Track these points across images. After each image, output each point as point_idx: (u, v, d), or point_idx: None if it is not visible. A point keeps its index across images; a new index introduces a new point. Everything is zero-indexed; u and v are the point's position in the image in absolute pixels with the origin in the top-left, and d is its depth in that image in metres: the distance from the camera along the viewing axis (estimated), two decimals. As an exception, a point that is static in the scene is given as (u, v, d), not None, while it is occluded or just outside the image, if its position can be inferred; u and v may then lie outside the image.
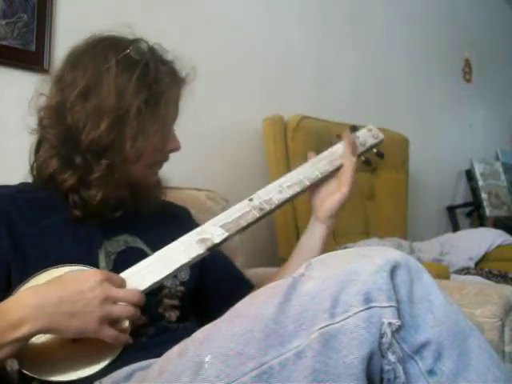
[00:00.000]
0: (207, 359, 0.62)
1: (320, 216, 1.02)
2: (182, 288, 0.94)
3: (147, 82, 0.87)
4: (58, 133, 0.88)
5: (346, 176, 1.00)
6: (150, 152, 0.90)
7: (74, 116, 0.86)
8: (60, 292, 0.73)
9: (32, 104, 0.91)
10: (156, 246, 0.87)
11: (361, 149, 1.07)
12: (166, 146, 0.94)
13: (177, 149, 0.97)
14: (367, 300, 0.62)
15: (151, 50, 0.92)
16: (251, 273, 1.23)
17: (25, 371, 0.73)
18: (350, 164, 1.01)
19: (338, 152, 1.04)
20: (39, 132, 0.92)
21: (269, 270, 1.35)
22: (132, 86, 0.86)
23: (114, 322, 0.76)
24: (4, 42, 1.35)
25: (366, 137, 1.08)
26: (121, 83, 0.86)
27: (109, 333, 0.74)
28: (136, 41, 0.91)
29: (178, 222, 1.03)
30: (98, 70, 0.87)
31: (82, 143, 0.86)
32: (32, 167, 0.93)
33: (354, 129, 1.09)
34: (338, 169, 1.02)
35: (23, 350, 0.73)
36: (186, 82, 0.96)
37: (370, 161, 1.11)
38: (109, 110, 0.85)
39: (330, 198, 1.01)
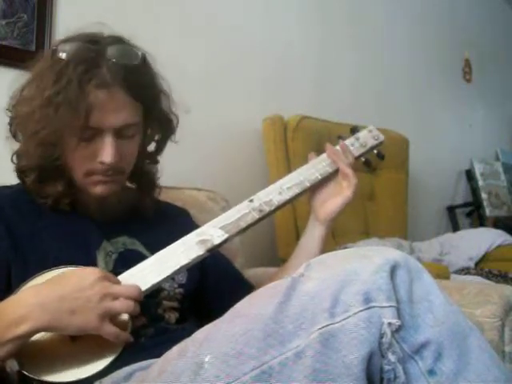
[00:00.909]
0: (207, 359, 0.62)
1: (320, 217, 1.02)
2: (180, 290, 0.94)
3: (58, 86, 0.83)
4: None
5: (350, 180, 0.99)
6: (73, 156, 0.87)
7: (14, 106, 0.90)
8: (60, 290, 0.73)
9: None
10: (155, 248, 0.87)
11: (361, 150, 1.06)
12: (95, 157, 0.87)
13: (103, 161, 0.86)
14: (367, 300, 0.62)
15: (82, 49, 0.85)
16: (250, 273, 1.23)
17: (25, 372, 0.73)
18: (347, 169, 1.00)
19: None
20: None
21: (268, 270, 1.35)
22: (47, 88, 0.84)
23: (114, 319, 0.76)
24: (4, 42, 1.35)
25: (367, 138, 1.07)
26: (41, 84, 0.85)
27: (110, 330, 0.75)
28: (69, 40, 0.87)
29: (178, 224, 1.02)
30: (39, 68, 0.88)
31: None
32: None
33: (355, 130, 1.09)
34: (338, 170, 1.02)
35: (23, 351, 0.73)
36: (112, 85, 0.85)
37: (370, 162, 1.11)
38: (27, 105, 0.86)
39: (332, 201, 1.00)
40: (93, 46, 0.86)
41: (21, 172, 0.92)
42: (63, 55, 0.84)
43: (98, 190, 0.90)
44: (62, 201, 0.91)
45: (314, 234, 1.02)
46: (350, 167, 1.00)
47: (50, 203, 0.90)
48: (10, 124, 0.91)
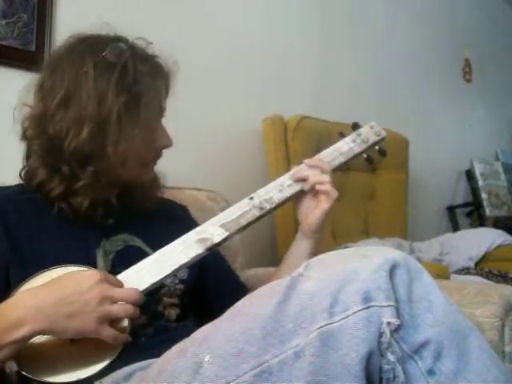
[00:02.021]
0: (206, 359, 0.62)
1: (305, 231, 0.99)
2: (181, 286, 0.94)
3: (126, 85, 0.86)
4: (42, 143, 0.87)
5: (329, 195, 0.95)
6: (134, 154, 0.89)
7: (56, 125, 0.85)
8: (58, 293, 0.73)
9: (16, 113, 0.91)
10: (155, 244, 0.87)
11: (363, 146, 1.05)
12: (156, 143, 0.94)
13: (168, 145, 0.96)
14: (366, 299, 0.62)
15: (131, 48, 0.90)
16: (250, 273, 1.23)
17: (24, 373, 0.73)
18: (323, 187, 0.95)
19: (340, 150, 1.03)
20: (25, 142, 0.91)
21: (268, 270, 1.35)
22: (111, 90, 0.84)
23: (113, 321, 0.76)
24: (4, 42, 1.35)
25: (369, 134, 1.07)
26: (99, 88, 0.85)
27: (108, 332, 0.74)
28: (114, 41, 0.90)
29: (177, 220, 1.02)
30: (76, 76, 0.86)
31: (65, 152, 0.85)
32: (20, 174, 0.93)
33: (356, 126, 1.09)
34: (339, 167, 1.01)
35: (22, 352, 0.73)
36: (168, 78, 0.94)
37: (372, 158, 1.10)
38: (89, 118, 0.84)
39: (312, 214, 0.97)
40: (124, 47, 0.89)
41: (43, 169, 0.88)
42: (111, 56, 0.87)
43: (149, 177, 0.96)
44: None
45: (299, 247, 1.01)
46: (328, 184, 0.95)
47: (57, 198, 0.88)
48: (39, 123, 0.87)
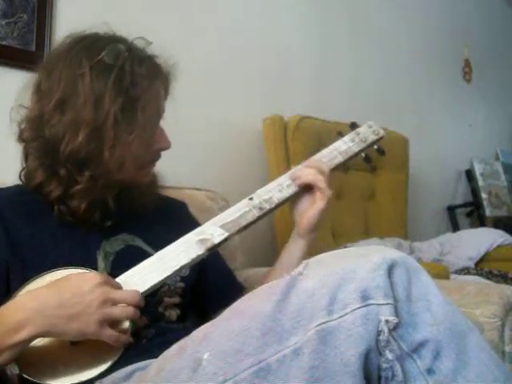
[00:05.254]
0: (205, 357, 0.62)
1: (300, 230, 0.99)
2: (181, 284, 0.94)
3: (123, 88, 0.84)
4: (39, 146, 0.87)
5: (324, 192, 0.95)
6: (131, 158, 0.87)
7: (52, 129, 0.84)
8: (59, 295, 0.73)
9: (13, 115, 0.90)
10: (155, 243, 0.87)
11: (362, 145, 1.05)
12: (154, 146, 0.92)
13: (166, 148, 0.94)
14: (364, 297, 0.62)
15: (129, 49, 0.88)
16: (250, 273, 1.23)
17: (25, 375, 0.73)
18: (318, 184, 0.95)
19: (339, 149, 1.03)
20: (22, 144, 0.91)
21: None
22: (107, 93, 0.83)
23: (114, 323, 0.76)
24: (4, 42, 1.35)
25: (367, 133, 1.07)
26: (96, 91, 0.83)
27: (109, 334, 0.75)
28: (111, 42, 0.88)
29: (176, 217, 1.02)
30: (73, 78, 0.84)
31: (61, 156, 0.84)
32: (20, 176, 0.93)
33: (354, 125, 1.09)
34: (338, 166, 1.01)
35: (23, 355, 0.73)
36: (168, 79, 0.93)
37: (370, 158, 1.10)
38: (85, 122, 0.83)
39: (307, 213, 0.97)
40: (122, 49, 0.87)
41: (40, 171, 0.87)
42: (108, 58, 0.85)
43: (147, 179, 0.95)
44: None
45: (293, 248, 1.01)
46: (322, 181, 0.95)
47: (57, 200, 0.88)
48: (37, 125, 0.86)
